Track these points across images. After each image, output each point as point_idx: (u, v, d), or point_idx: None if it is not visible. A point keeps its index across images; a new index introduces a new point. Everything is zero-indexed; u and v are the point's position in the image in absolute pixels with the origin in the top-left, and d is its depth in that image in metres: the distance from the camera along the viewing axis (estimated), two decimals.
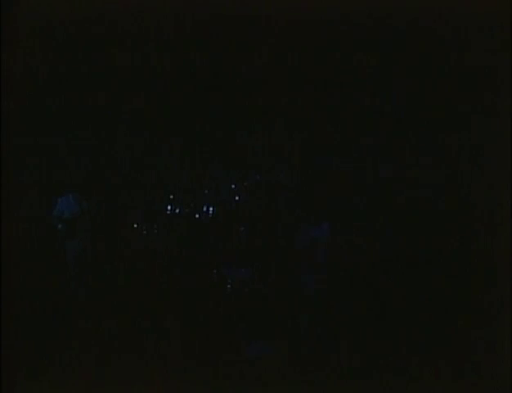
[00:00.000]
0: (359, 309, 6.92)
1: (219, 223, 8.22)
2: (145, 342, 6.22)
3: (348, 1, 7.69)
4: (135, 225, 8.16)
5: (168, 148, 9.10)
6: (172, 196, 8.35)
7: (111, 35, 8.36)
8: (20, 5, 7.30)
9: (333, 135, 8.95)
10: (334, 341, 6.45)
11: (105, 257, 8.15)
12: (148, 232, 8.14)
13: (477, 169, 8.24)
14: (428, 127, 8.82)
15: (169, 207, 8.30)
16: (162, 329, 6.49)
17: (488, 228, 7.45)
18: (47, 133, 8.56)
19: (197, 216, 8.24)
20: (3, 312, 5.90)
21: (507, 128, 7.83)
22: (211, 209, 8.28)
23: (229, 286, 7.30)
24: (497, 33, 7.42)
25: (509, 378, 5.12)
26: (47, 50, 8.06)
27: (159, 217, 8.25)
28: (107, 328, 6.51)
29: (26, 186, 8.27)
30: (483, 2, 7.50)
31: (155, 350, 6.07)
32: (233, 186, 8.54)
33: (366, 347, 6.23)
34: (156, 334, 6.37)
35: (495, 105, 8.18)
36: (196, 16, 8.00)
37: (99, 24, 8.11)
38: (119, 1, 7.86)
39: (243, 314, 7.02)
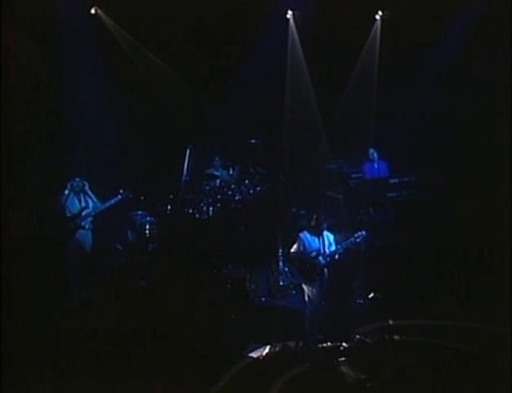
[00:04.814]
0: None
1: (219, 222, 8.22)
2: (144, 342, 6.21)
3: None
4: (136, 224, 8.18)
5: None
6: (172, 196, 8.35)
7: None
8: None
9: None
10: None
11: (105, 256, 8.18)
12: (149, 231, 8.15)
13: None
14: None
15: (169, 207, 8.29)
16: (161, 329, 6.49)
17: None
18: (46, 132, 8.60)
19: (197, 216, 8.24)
20: (3, 312, 5.91)
21: (507, 128, 7.85)
22: (211, 209, 8.27)
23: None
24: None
25: (509, 378, 5.13)
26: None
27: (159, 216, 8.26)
28: (107, 328, 6.52)
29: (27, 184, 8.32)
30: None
31: (155, 350, 6.07)
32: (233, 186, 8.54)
33: None
34: (156, 334, 6.37)
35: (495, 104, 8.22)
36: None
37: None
38: None
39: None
